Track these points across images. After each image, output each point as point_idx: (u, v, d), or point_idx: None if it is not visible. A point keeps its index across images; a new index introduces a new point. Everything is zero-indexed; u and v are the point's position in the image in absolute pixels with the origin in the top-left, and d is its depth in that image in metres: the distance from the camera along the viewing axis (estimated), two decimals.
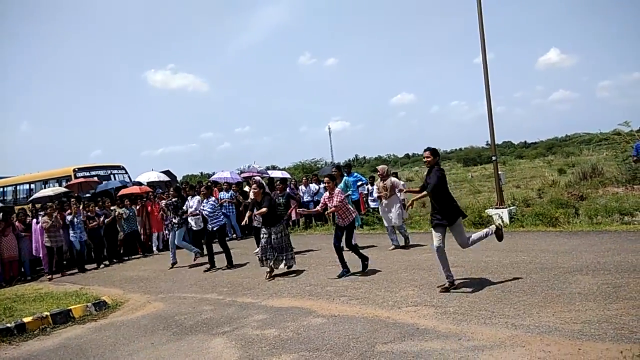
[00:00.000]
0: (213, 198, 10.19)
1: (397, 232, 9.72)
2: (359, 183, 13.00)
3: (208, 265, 9.70)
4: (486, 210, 11.28)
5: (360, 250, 7.91)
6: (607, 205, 10.57)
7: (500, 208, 11.16)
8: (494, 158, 12.14)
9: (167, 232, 12.24)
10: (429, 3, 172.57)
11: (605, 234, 8.64)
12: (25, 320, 6.62)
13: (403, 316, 5.24)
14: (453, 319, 4.93)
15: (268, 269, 8.19)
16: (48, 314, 6.87)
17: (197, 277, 9.12)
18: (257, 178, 11.54)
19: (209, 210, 9.85)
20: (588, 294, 5.20)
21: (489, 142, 12.52)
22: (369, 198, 14.11)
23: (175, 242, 10.61)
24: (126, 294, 8.39)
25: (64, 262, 11.67)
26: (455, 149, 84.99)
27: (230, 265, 9.64)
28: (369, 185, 14.12)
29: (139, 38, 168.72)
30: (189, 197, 10.85)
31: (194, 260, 10.72)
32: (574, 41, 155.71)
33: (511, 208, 11.24)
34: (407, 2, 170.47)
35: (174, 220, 10.67)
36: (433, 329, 4.71)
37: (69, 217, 11.65)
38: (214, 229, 9.82)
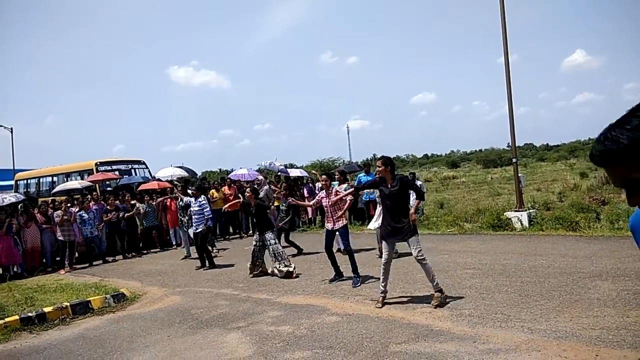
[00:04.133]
0: (202, 197, 9.99)
1: None
2: None
3: (202, 263, 9.82)
4: (505, 213, 11.15)
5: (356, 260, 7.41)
6: (629, 211, 10.35)
7: (519, 211, 11.02)
8: (514, 160, 11.98)
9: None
10: (453, 2, 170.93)
11: (626, 240, 8.46)
12: (46, 310, 6.77)
13: (418, 317, 5.22)
14: (468, 321, 4.90)
15: (252, 268, 8.36)
16: (68, 304, 7.01)
17: (214, 272, 9.21)
18: (261, 179, 11.56)
19: (195, 210, 9.81)
20: (607, 300, 5.12)
21: (510, 144, 12.37)
22: None
23: (182, 238, 10.85)
24: (144, 287, 8.52)
25: (76, 256, 11.93)
26: (476, 150, 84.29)
27: (212, 265, 9.69)
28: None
29: (163, 35, 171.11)
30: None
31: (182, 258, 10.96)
32: (600, 43, 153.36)
33: (531, 211, 11.09)
34: (430, 1, 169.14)
35: (183, 220, 10.80)
36: (448, 330, 4.68)
37: (80, 212, 11.82)
38: (198, 229, 9.72)
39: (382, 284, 5.86)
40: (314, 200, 7.97)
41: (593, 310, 4.83)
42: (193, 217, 9.84)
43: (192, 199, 10.02)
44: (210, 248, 10.86)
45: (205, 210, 9.76)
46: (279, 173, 15.00)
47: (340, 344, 4.61)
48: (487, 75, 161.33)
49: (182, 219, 10.97)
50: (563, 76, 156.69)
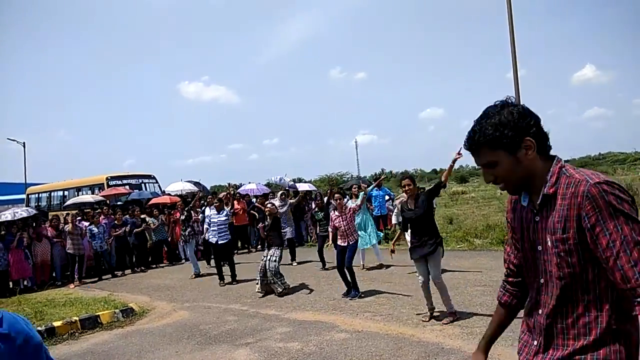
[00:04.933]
0: (226, 210, 9.92)
1: None
2: (386, 198, 12.96)
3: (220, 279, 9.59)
4: None
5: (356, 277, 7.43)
6: None
7: None
8: None
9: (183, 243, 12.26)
10: (460, 18, 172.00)
11: None
12: (55, 324, 6.79)
13: (428, 335, 5.17)
14: (479, 340, 4.83)
15: (262, 288, 8.05)
16: (77, 319, 7.02)
17: (222, 287, 9.19)
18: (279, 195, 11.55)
19: (221, 221, 9.64)
20: None
21: None
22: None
23: (187, 254, 10.74)
24: (153, 302, 8.52)
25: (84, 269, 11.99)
26: None
27: (220, 281, 9.49)
28: (398, 201, 14.05)
29: (176, 50, 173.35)
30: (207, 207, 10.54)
31: (191, 277, 10.64)
32: (610, 57, 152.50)
33: None
34: (438, 16, 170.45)
35: (184, 233, 10.78)
36: (459, 349, 4.63)
37: (90, 227, 11.87)
38: (219, 242, 9.53)
39: (427, 304, 5.75)
40: (330, 227, 7.75)
41: None
42: (218, 227, 9.55)
43: (215, 211, 9.76)
44: (198, 272, 10.67)
45: (225, 224, 9.67)
46: (288, 188, 15.03)
47: None
48: (495, 91, 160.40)
49: (184, 232, 10.89)
50: (573, 91, 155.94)
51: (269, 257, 8.03)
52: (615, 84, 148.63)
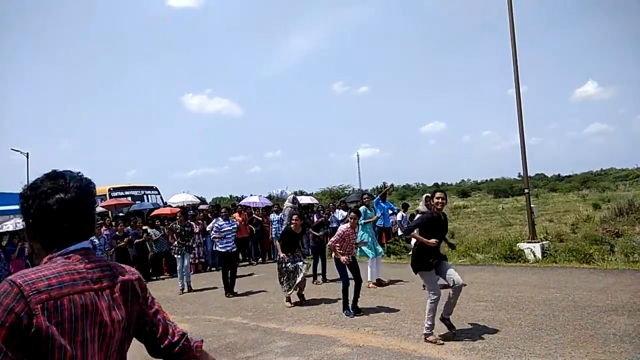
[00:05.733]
0: (232, 219, 10.11)
1: None
2: (389, 212, 12.97)
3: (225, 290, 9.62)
4: (518, 244, 11.03)
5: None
6: None
7: (532, 242, 10.90)
8: (526, 190, 11.92)
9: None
10: (462, 33, 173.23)
11: None
12: None
13: (430, 350, 5.14)
14: (481, 355, 4.81)
15: (288, 296, 8.15)
16: None
17: (223, 300, 9.15)
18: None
19: (229, 230, 9.79)
20: (623, 336, 5.01)
21: (521, 174, 12.33)
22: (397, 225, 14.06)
23: (177, 268, 10.66)
24: None
25: None
26: (486, 180, 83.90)
27: (228, 292, 9.47)
28: (400, 213, 14.16)
29: (179, 63, 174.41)
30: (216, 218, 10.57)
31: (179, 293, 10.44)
32: (612, 73, 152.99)
33: (544, 242, 10.96)
34: (440, 32, 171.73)
35: (183, 245, 10.65)
36: None
37: (91, 238, 11.86)
38: (232, 251, 9.73)
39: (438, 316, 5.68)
40: (337, 234, 7.41)
41: (609, 346, 4.72)
42: (225, 237, 9.72)
43: (223, 220, 9.93)
44: (184, 289, 10.51)
45: (235, 230, 9.92)
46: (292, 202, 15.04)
47: None
48: (497, 106, 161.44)
49: (184, 243, 10.75)
50: (574, 107, 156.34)
51: (302, 268, 8.12)
52: (617, 100, 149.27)
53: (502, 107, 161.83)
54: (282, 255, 8.21)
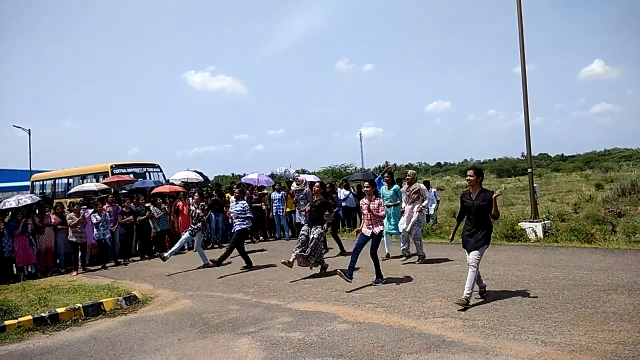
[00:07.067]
0: (244, 200, 10.38)
1: (412, 241, 9.26)
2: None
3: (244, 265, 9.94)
4: (519, 224, 11.04)
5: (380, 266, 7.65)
6: None
7: (534, 222, 10.90)
8: (529, 170, 11.87)
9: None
10: (468, 11, 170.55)
11: None
12: (59, 310, 6.84)
13: (429, 327, 5.18)
14: (481, 332, 4.84)
15: (291, 259, 8.39)
16: (80, 305, 7.08)
17: (225, 277, 9.23)
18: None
19: (238, 210, 10.08)
20: (623, 314, 5.03)
21: (525, 154, 12.29)
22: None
23: (194, 247, 11.04)
24: (156, 290, 8.56)
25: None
26: (490, 159, 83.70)
27: (249, 266, 9.88)
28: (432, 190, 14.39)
29: (182, 39, 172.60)
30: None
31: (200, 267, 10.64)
32: (619, 53, 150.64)
33: (545, 222, 10.96)
34: (446, 9, 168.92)
35: (193, 226, 10.80)
36: (460, 341, 4.63)
37: (92, 214, 11.87)
38: (242, 226, 9.99)
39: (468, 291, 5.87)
40: (363, 209, 7.62)
41: (609, 324, 4.74)
42: (235, 217, 10.09)
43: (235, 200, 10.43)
44: (209, 263, 10.54)
45: (247, 211, 10.18)
46: (292, 180, 15.00)
47: (350, 353, 4.59)
48: (502, 85, 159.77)
49: (192, 225, 10.86)
50: (580, 86, 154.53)
51: (314, 234, 8.37)
52: (624, 80, 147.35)
53: (507, 85, 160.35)
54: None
